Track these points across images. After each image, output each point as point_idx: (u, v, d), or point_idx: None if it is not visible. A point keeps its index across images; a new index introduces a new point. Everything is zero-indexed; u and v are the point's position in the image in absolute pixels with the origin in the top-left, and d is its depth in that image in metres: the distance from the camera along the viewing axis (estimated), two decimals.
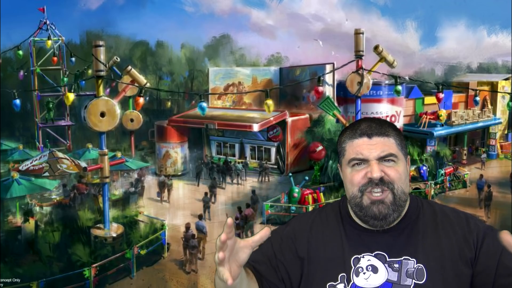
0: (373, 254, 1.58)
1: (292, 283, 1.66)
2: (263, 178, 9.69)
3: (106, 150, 7.35)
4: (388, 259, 1.57)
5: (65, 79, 9.92)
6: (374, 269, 1.56)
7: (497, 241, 1.46)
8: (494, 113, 10.50)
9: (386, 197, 1.55)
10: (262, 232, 1.39)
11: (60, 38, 9.72)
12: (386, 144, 1.58)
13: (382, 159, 1.57)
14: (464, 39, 9.32)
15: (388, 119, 8.70)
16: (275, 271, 1.66)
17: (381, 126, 1.61)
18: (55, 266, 7.25)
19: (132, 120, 9.07)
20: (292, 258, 1.67)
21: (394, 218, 1.57)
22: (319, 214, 1.76)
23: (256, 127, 9.57)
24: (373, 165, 1.56)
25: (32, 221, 7.78)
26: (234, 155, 10.28)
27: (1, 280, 6.73)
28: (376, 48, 7.65)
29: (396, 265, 1.56)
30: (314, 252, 1.65)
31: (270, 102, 7.42)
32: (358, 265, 1.58)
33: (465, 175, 9.55)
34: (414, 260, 1.56)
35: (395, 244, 1.59)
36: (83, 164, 8.34)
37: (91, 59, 7.31)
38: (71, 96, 7.65)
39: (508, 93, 9.67)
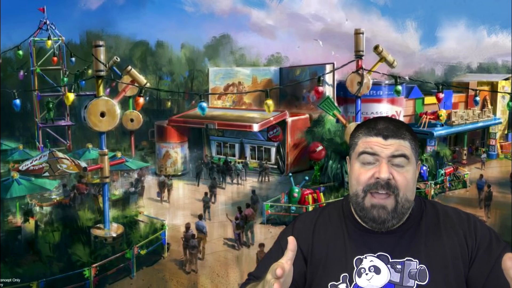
0: (375, 255, 1.58)
1: (298, 283, 1.67)
2: (263, 178, 9.68)
3: (106, 150, 7.34)
4: (390, 260, 1.57)
5: (65, 79, 9.90)
6: (377, 270, 1.56)
7: (494, 250, 1.48)
8: (494, 113, 10.50)
9: (389, 203, 1.54)
10: (290, 244, 1.31)
11: (60, 38, 9.71)
12: (401, 145, 1.56)
13: (393, 157, 1.55)
14: (464, 39, 9.30)
15: None
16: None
17: (398, 129, 1.59)
18: (55, 266, 7.24)
19: (132, 120, 9.07)
20: (300, 259, 1.67)
21: (394, 224, 1.57)
22: (321, 214, 1.75)
23: (256, 127, 9.56)
24: (383, 165, 1.54)
25: (32, 221, 7.77)
26: (234, 155, 10.27)
27: (1, 280, 6.72)
28: (376, 48, 7.64)
29: (399, 266, 1.55)
30: (317, 252, 1.65)
31: (270, 102, 7.41)
32: (360, 266, 1.58)
33: (465, 175, 9.54)
34: (417, 261, 1.55)
35: (398, 245, 1.58)
36: (83, 164, 8.33)
37: (91, 59, 7.30)
38: (71, 96, 7.64)
39: (508, 93, 9.67)
